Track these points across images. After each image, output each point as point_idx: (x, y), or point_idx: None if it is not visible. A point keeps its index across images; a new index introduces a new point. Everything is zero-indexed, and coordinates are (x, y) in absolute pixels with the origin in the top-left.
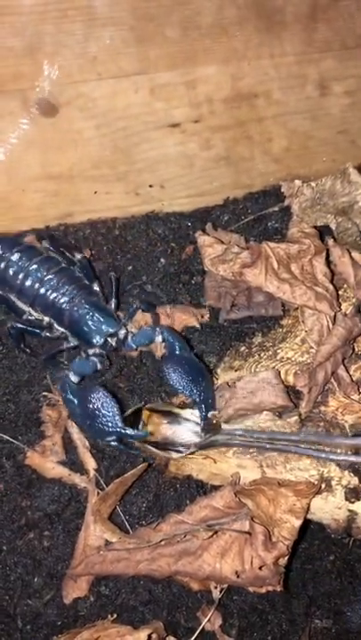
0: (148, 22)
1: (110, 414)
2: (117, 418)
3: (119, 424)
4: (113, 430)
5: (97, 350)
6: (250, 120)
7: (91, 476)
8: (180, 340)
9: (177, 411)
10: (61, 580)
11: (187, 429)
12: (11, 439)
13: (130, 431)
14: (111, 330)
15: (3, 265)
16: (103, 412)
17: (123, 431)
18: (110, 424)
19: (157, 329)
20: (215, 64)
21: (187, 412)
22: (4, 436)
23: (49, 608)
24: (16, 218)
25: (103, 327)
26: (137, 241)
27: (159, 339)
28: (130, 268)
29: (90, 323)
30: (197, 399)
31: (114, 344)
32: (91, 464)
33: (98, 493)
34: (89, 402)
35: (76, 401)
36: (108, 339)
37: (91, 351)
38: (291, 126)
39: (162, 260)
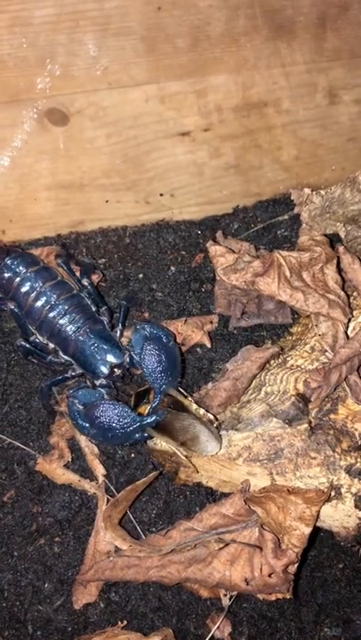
0: (158, 32)
1: (125, 416)
2: (132, 416)
3: (137, 420)
4: (136, 428)
5: (103, 381)
6: (259, 129)
7: (100, 482)
8: (164, 330)
9: (192, 407)
10: (72, 586)
11: (200, 428)
12: (22, 445)
13: (149, 419)
14: (116, 361)
15: (18, 280)
16: (117, 418)
17: (143, 423)
18: (130, 425)
19: (140, 330)
20: (225, 73)
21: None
22: (16, 443)
23: (59, 614)
24: (28, 226)
25: (108, 358)
26: (147, 249)
27: (146, 336)
28: (140, 275)
29: (95, 354)
30: (157, 388)
31: (120, 373)
32: (100, 470)
33: (108, 500)
34: (100, 418)
35: (87, 424)
36: (114, 369)
37: (97, 382)
38: (300, 135)
39: (172, 267)
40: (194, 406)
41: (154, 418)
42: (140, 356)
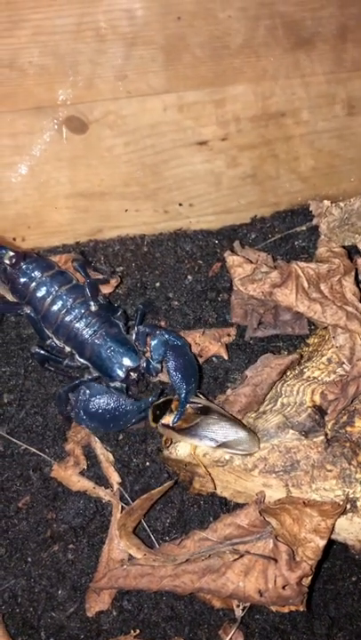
0: (177, 41)
1: (121, 401)
2: (128, 402)
3: (134, 405)
4: (135, 406)
5: (118, 384)
6: (277, 139)
7: (115, 490)
8: (181, 338)
9: (219, 410)
10: (85, 594)
11: (224, 429)
12: (37, 451)
13: (143, 404)
14: (133, 364)
15: (33, 285)
16: (114, 404)
17: (139, 406)
18: (128, 405)
19: (160, 336)
20: (244, 83)
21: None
22: (31, 449)
23: (72, 621)
24: (46, 232)
25: (124, 361)
26: (165, 258)
27: (165, 342)
28: (157, 284)
29: (111, 357)
30: (182, 395)
31: (135, 377)
32: (114, 478)
33: (122, 507)
34: (97, 408)
35: (87, 416)
36: (130, 373)
37: (112, 384)
38: (318, 145)
39: (189, 276)
40: (220, 410)
41: (151, 399)
42: (159, 361)
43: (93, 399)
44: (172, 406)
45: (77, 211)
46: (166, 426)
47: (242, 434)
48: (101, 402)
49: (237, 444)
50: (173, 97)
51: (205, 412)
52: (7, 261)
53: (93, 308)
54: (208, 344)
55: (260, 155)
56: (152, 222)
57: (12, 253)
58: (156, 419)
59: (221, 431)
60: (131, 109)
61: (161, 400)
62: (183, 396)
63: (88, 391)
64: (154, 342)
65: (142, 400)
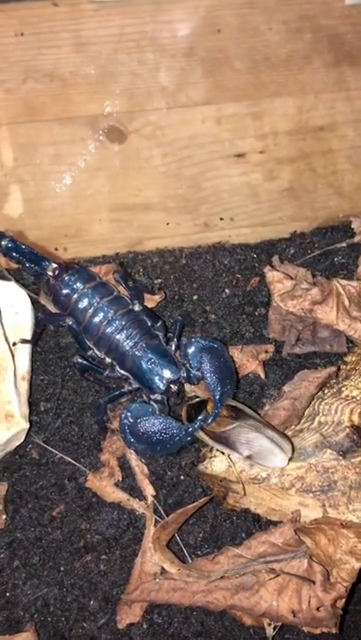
0: (217, 54)
1: (171, 427)
2: (177, 425)
3: (182, 428)
4: (182, 437)
5: (158, 397)
6: (315, 152)
7: (149, 502)
8: (217, 341)
9: (256, 416)
10: (116, 605)
11: (262, 440)
12: (73, 461)
13: (195, 425)
14: (173, 376)
15: (75, 296)
16: (164, 429)
17: (188, 431)
18: (176, 436)
19: (195, 343)
20: (282, 96)
21: (268, 432)
22: (67, 458)
23: (103, 632)
24: (86, 242)
25: (165, 373)
26: (203, 271)
27: (202, 347)
28: (195, 297)
29: (152, 369)
30: (217, 396)
31: (175, 389)
32: (149, 491)
33: (155, 520)
34: (146, 432)
35: (134, 438)
36: (171, 385)
37: (152, 396)
38: (356, 160)
39: (226, 290)
40: (257, 415)
41: (198, 423)
42: (198, 368)
43: (141, 422)
44: (208, 407)
45: (117, 221)
46: (200, 427)
47: (272, 449)
48: (149, 424)
49: (265, 458)
50: (212, 109)
51: (241, 418)
52: (50, 273)
53: (137, 308)
54: (246, 361)
55: (297, 168)
56: (190, 234)
57: (55, 265)
58: (190, 419)
59: (256, 441)
60: (169, 120)
61: (196, 400)
62: (218, 397)
63: (130, 414)
64: (190, 350)
65: (190, 424)
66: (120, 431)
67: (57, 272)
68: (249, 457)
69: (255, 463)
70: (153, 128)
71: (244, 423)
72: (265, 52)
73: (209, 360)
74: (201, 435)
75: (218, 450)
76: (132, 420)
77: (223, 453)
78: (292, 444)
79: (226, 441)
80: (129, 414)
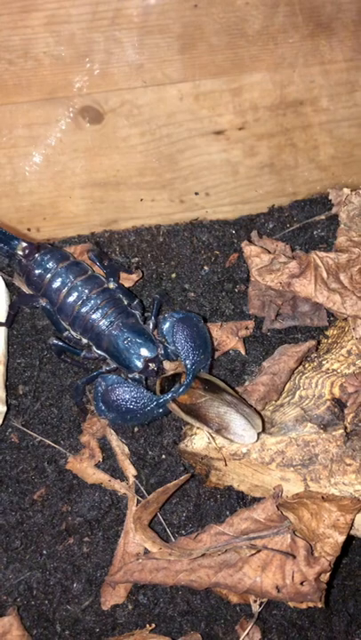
0: (194, 30)
1: (141, 397)
2: (148, 395)
3: (153, 399)
4: (153, 409)
5: (136, 375)
6: (295, 127)
7: (130, 483)
8: (191, 313)
9: (228, 389)
10: (100, 587)
11: (236, 417)
12: (52, 444)
13: (166, 396)
14: (150, 355)
15: (49, 276)
16: (134, 399)
17: (160, 401)
18: (147, 405)
19: (169, 318)
20: (261, 71)
21: (242, 406)
22: (46, 441)
23: (87, 614)
24: (62, 224)
25: (142, 352)
26: (181, 248)
27: (175, 321)
28: (173, 275)
29: (129, 348)
30: (189, 365)
31: (154, 367)
32: (130, 471)
33: (138, 500)
34: (117, 400)
35: (105, 407)
36: (149, 363)
37: (130, 375)
38: (337, 134)
39: (205, 267)
40: (230, 390)
41: (170, 395)
42: (173, 342)
43: (112, 390)
44: (181, 380)
45: (93, 201)
46: (172, 399)
47: (241, 424)
48: (120, 392)
49: (233, 433)
50: (189, 86)
51: (214, 392)
52: (20, 252)
53: (112, 286)
54: (225, 338)
55: (277, 144)
56: (168, 212)
57: (24, 244)
58: (163, 391)
59: (227, 415)
60: (146, 99)
61: (170, 373)
62: (190, 365)
63: (104, 382)
64: (166, 325)
65: (163, 395)
66: (93, 399)
67: (27, 251)
68: (218, 431)
69: (225, 437)
70: (130, 107)
71: (216, 397)
72: (242, 27)
73: (181, 330)
74: (172, 406)
75: (197, 427)
76: (105, 388)
77: (203, 430)
78: (263, 420)
79: (197, 414)
80: (103, 383)
